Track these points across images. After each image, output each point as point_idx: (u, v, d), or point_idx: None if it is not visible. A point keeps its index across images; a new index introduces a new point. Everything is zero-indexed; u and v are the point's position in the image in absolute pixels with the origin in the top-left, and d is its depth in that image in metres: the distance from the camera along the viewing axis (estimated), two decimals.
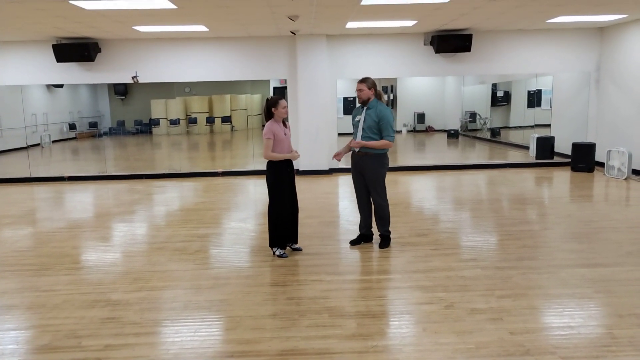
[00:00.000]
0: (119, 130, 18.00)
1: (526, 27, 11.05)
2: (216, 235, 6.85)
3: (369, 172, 5.85)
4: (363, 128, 5.74)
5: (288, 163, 5.79)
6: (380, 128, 5.68)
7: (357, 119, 5.85)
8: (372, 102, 5.76)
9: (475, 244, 6.19)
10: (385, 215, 5.99)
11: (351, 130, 5.96)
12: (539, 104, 13.58)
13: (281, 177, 5.74)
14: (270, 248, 5.95)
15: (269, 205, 5.80)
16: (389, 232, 6.11)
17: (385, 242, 6.08)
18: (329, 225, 7.20)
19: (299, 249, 6.04)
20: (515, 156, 13.86)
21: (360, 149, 5.78)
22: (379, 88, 5.85)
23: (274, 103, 5.69)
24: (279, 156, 5.67)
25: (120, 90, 17.37)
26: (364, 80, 5.75)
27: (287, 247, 6.01)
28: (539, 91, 13.54)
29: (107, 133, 17.95)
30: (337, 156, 6.03)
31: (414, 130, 17.51)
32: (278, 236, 5.85)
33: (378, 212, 6.00)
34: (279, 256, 5.82)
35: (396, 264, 5.50)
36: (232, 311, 4.41)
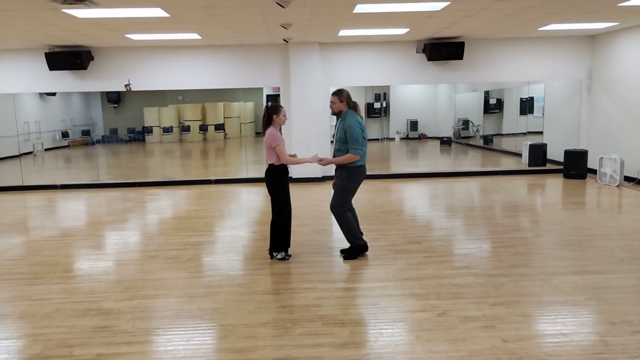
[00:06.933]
0: (111, 138, 17.95)
1: (518, 35, 11.13)
2: (209, 243, 6.83)
3: (338, 182, 5.84)
4: (335, 139, 5.77)
5: (287, 169, 5.82)
6: (347, 140, 5.62)
7: (333, 133, 5.89)
8: (344, 113, 5.72)
9: (468, 251, 6.20)
10: (342, 226, 5.87)
11: None
12: (531, 111, 13.65)
13: (285, 181, 5.82)
14: (270, 254, 5.98)
15: (278, 211, 5.81)
16: (355, 244, 5.95)
17: (348, 252, 6.00)
18: (321, 233, 7.19)
19: (289, 255, 6.08)
20: (507, 163, 13.90)
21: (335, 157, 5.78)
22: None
23: (276, 110, 5.70)
24: (300, 160, 5.82)
25: (113, 98, 17.34)
26: (336, 93, 5.72)
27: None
28: (531, 98, 13.61)
29: (99, 141, 17.89)
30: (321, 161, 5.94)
31: (406, 138, 17.54)
32: (286, 240, 5.89)
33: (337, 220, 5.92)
34: (280, 259, 5.87)
35: (389, 272, 5.50)
36: (225, 319, 4.40)
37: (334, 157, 5.81)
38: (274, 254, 5.94)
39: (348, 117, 5.64)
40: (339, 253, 6.14)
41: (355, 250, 5.97)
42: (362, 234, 6.11)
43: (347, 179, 5.74)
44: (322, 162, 5.75)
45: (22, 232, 7.76)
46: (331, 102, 5.75)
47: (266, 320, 4.36)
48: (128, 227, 7.92)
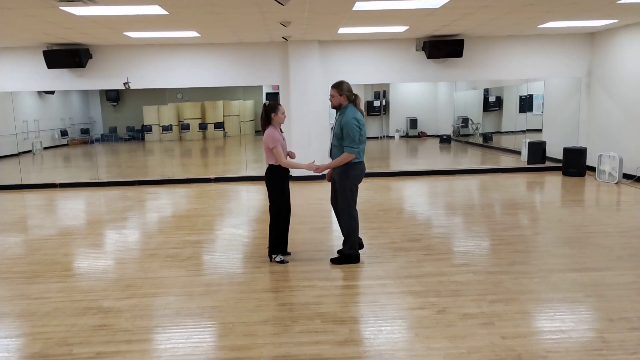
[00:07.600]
0: (111, 136, 17.96)
1: (517, 33, 11.12)
2: (209, 242, 6.84)
3: (336, 181, 5.66)
4: (333, 134, 5.61)
5: (287, 168, 5.74)
6: (343, 137, 5.42)
7: (332, 126, 5.78)
8: (344, 107, 5.51)
9: (467, 249, 6.20)
10: (346, 230, 5.64)
11: None
12: (530, 109, 13.65)
13: (284, 182, 5.73)
14: (269, 257, 5.88)
15: (276, 212, 5.71)
16: (349, 253, 5.70)
17: (339, 258, 5.79)
18: (321, 232, 7.20)
19: (287, 254, 6.04)
20: (507, 161, 13.92)
21: (331, 153, 5.64)
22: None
23: (274, 109, 5.59)
24: (297, 165, 5.72)
25: (112, 97, 17.35)
26: (336, 86, 5.54)
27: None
28: (531, 96, 13.61)
29: (99, 140, 17.91)
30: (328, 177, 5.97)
31: (406, 136, 17.55)
32: (281, 242, 5.82)
33: (340, 223, 5.72)
34: (279, 262, 5.78)
35: (388, 269, 5.50)
36: (225, 318, 4.40)
37: (330, 152, 5.68)
38: (273, 256, 5.84)
39: (347, 113, 5.44)
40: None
41: (345, 258, 5.75)
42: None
43: (344, 176, 5.56)
44: (318, 169, 5.64)
45: (21, 231, 7.76)
46: (330, 95, 5.57)
47: (266, 318, 4.37)
48: (127, 225, 7.92)
